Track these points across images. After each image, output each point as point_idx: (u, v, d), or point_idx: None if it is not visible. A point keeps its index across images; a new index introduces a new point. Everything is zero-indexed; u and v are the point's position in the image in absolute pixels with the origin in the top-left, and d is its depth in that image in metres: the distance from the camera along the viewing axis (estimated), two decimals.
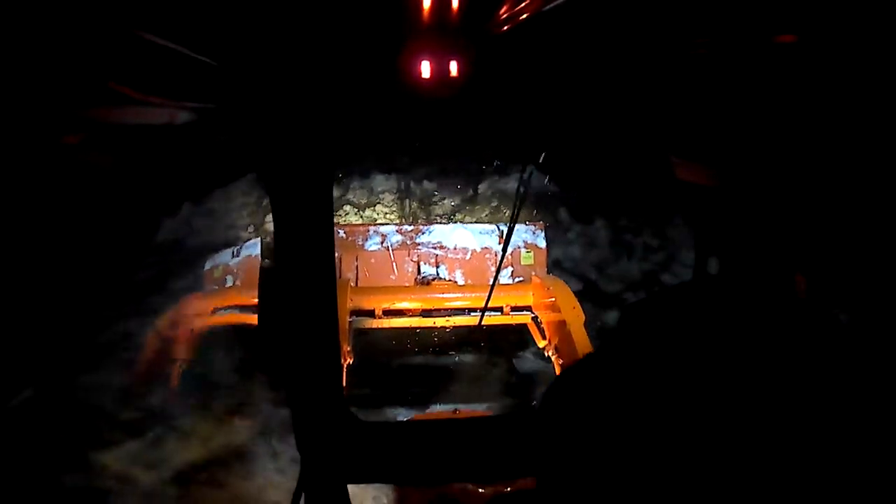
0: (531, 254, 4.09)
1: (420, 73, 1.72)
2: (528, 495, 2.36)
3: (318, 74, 1.83)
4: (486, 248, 4.10)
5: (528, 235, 4.15)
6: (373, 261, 3.99)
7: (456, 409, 3.72)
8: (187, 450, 2.91)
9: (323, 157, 1.94)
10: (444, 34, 1.71)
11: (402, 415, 3.76)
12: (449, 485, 2.65)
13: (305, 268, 2.02)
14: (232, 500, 2.44)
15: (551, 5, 1.64)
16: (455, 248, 4.07)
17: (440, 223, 4.37)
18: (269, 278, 2.09)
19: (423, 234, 4.11)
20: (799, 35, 1.71)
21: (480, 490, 2.60)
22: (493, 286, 3.67)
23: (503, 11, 1.65)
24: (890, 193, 1.70)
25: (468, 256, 4.08)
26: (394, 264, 4.00)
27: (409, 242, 4.08)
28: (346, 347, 3.35)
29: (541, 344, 3.70)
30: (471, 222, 4.73)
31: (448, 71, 1.71)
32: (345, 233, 4.04)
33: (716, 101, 1.91)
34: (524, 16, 1.66)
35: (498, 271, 3.62)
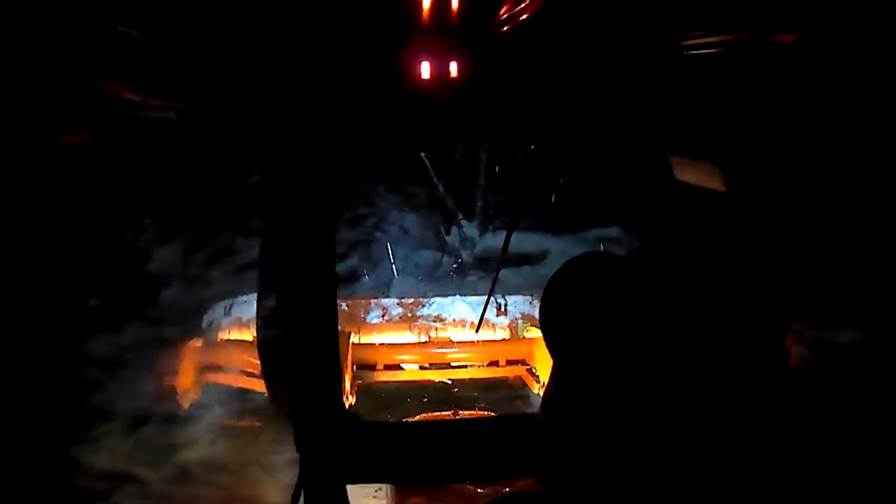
0: (527, 324, 4.09)
1: (419, 74, 1.72)
2: (527, 496, 2.35)
3: (318, 76, 1.83)
4: (484, 319, 4.17)
5: (526, 307, 4.18)
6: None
7: (455, 410, 3.72)
8: (187, 450, 2.91)
9: (324, 157, 1.94)
10: (443, 34, 1.71)
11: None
12: (448, 485, 2.65)
13: (306, 269, 2.02)
14: (230, 500, 2.45)
15: (552, 5, 1.64)
16: (454, 321, 4.16)
17: (440, 296, 4.46)
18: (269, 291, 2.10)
19: (423, 307, 4.24)
20: (799, 35, 1.71)
21: (479, 490, 2.60)
22: (491, 291, 3.79)
23: (503, 12, 1.65)
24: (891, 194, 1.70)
25: (466, 328, 4.16)
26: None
27: (409, 315, 4.20)
28: (350, 401, 3.44)
29: (535, 389, 3.80)
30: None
31: (448, 72, 1.71)
32: (347, 305, 4.13)
33: (717, 101, 1.91)
34: (524, 16, 1.66)
35: (493, 286, 3.75)
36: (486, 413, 3.68)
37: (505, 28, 1.66)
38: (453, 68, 1.73)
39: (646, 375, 0.82)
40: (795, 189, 1.89)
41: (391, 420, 3.77)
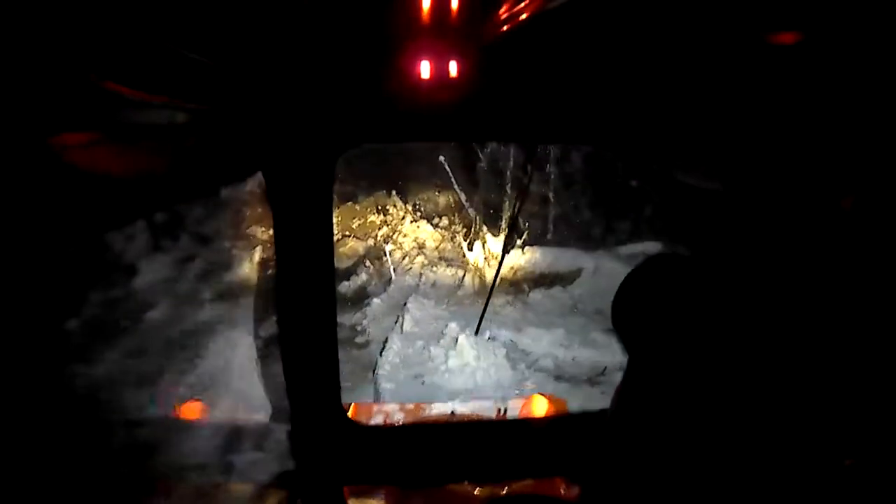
0: None
1: (419, 74, 1.72)
2: (526, 496, 2.35)
3: (317, 75, 1.82)
4: None
5: None
6: None
7: (453, 412, 3.72)
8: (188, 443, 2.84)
9: (323, 156, 1.94)
10: (443, 34, 1.71)
11: (399, 418, 3.78)
12: (445, 486, 2.65)
13: (305, 270, 2.02)
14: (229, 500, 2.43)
15: (552, 6, 1.63)
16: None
17: (440, 402, 4.26)
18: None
19: (423, 411, 4.09)
20: (799, 35, 1.71)
21: (475, 492, 2.60)
22: (495, 281, 3.79)
23: (503, 12, 1.65)
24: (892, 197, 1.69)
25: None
26: None
27: (410, 420, 4.08)
28: None
29: None
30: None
31: (448, 71, 1.71)
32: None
33: (717, 103, 1.91)
34: (524, 16, 1.65)
35: (492, 290, 3.71)
36: (483, 415, 3.68)
37: (506, 27, 1.66)
38: (453, 68, 1.73)
39: (711, 367, 0.83)
40: (795, 191, 1.89)
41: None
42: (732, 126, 1.95)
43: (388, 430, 2.74)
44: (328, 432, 2.13)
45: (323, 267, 2.03)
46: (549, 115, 1.99)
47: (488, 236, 8.54)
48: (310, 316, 2.04)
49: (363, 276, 7.80)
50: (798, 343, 0.92)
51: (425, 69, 1.72)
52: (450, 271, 8.18)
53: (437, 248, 8.84)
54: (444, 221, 9.17)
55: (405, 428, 2.94)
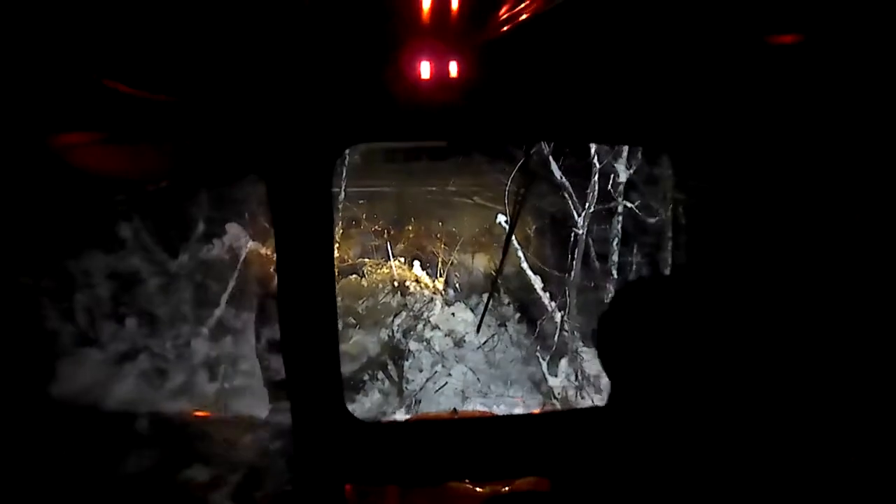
0: None
1: (419, 74, 1.72)
2: (527, 496, 2.36)
3: (318, 74, 1.82)
4: None
5: None
6: None
7: (454, 409, 3.73)
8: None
9: (324, 154, 1.94)
10: (443, 34, 1.71)
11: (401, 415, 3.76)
12: (446, 484, 2.65)
13: (305, 268, 2.02)
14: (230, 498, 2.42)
15: (551, 6, 1.63)
16: None
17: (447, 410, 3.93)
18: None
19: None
20: (799, 35, 1.71)
21: (478, 489, 2.61)
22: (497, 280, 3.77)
23: (503, 12, 1.65)
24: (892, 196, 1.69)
25: None
26: None
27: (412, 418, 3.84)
28: None
29: None
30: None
31: (447, 72, 1.71)
32: None
33: (717, 103, 1.91)
34: (524, 16, 1.65)
35: (491, 293, 3.72)
36: (485, 412, 3.69)
37: (506, 27, 1.66)
38: (453, 68, 1.73)
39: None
40: (794, 191, 1.89)
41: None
42: (734, 126, 1.95)
43: (390, 426, 2.74)
44: (331, 428, 2.14)
45: (324, 263, 2.04)
46: (548, 115, 1.99)
47: (582, 350, 5.08)
48: (311, 312, 2.04)
49: (375, 397, 5.11)
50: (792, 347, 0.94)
51: (425, 69, 1.72)
52: (510, 397, 4.67)
53: (483, 348, 5.26)
54: (513, 321, 5.75)
55: (407, 426, 2.95)
